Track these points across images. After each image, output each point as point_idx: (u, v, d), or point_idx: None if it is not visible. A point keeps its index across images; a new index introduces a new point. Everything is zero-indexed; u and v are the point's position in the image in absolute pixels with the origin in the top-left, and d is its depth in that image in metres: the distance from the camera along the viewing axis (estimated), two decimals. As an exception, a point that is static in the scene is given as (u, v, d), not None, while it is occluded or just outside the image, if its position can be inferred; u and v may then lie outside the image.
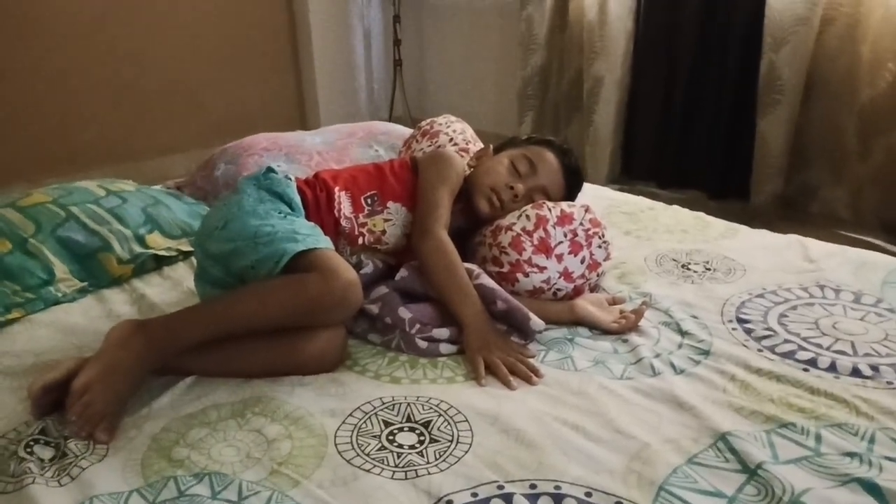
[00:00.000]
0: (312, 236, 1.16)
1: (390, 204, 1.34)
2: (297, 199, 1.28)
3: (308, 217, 1.27)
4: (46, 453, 0.92)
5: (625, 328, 1.21)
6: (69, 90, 3.02)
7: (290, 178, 1.33)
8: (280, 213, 1.21)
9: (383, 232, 1.32)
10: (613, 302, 1.31)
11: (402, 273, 1.27)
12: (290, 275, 1.10)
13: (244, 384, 1.07)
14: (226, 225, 1.19)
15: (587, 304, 1.25)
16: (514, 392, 1.05)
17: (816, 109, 2.51)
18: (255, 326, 1.08)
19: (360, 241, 1.31)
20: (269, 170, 1.34)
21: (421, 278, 1.25)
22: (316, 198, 1.32)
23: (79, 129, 3.07)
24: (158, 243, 1.53)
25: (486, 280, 1.24)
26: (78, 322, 1.30)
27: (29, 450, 0.92)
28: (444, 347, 1.17)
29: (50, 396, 1.00)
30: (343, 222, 1.30)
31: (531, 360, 1.13)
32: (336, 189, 1.33)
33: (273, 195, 1.26)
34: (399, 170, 1.40)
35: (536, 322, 1.18)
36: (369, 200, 1.34)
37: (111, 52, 3.10)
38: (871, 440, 0.93)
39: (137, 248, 1.49)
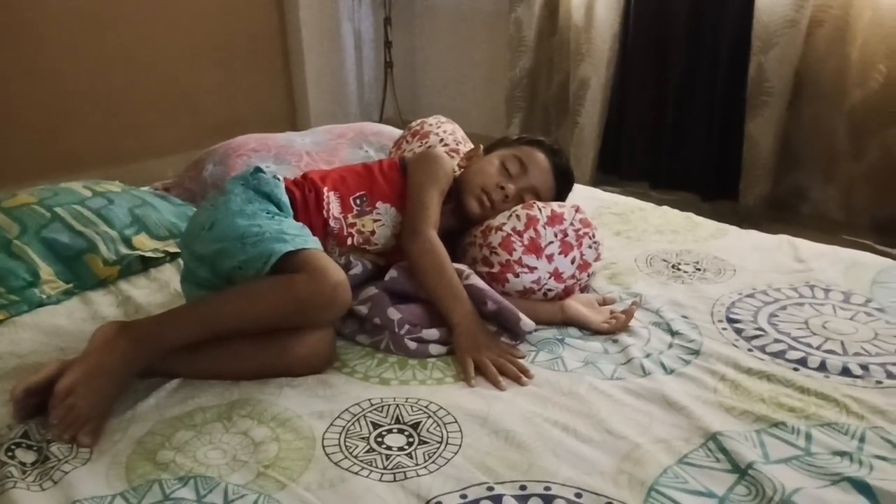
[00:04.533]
0: (301, 237, 1.15)
1: (379, 204, 1.33)
2: (286, 199, 1.27)
3: (296, 217, 1.26)
4: (28, 457, 0.91)
5: (615, 328, 1.21)
6: (60, 93, 2.99)
7: (278, 179, 1.32)
8: (268, 213, 1.20)
9: (372, 232, 1.31)
10: (604, 302, 1.30)
11: (392, 273, 1.26)
12: (279, 275, 1.08)
13: (231, 386, 1.06)
14: (213, 225, 1.18)
15: (577, 305, 1.25)
16: (503, 393, 1.04)
17: (806, 111, 2.52)
18: (243, 327, 1.07)
19: (349, 241, 1.30)
20: (258, 170, 1.33)
21: (410, 279, 1.24)
22: (304, 198, 1.31)
23: (70, 132, 3.05)
24: (145, 244, 1.51)
25: (477, 280, 1.23)
26: (63, 324, 1.28)
27: (10, 454, 0.91)
28: (434, 348, 1.16)
29: (33, 399, 0.98)
30: (332, 223, 1.29)
31: (521, 361, 1.12)
32: (325, 189, 1.32)
33: (261, 195, 1.25)
34: (388, 170, 1.39)
35: (527, 322, 1.17)
36: (358, 201, 1.33)
37: (102, 54, 3.08)
38: (862, 439, 0.92)
39: (124, 250, 1.47)
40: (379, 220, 1.32)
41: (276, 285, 1.08)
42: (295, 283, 1.06)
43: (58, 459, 0.90)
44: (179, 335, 1.04)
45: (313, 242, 1.16)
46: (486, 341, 1.14)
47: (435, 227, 1.27)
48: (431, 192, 1.31)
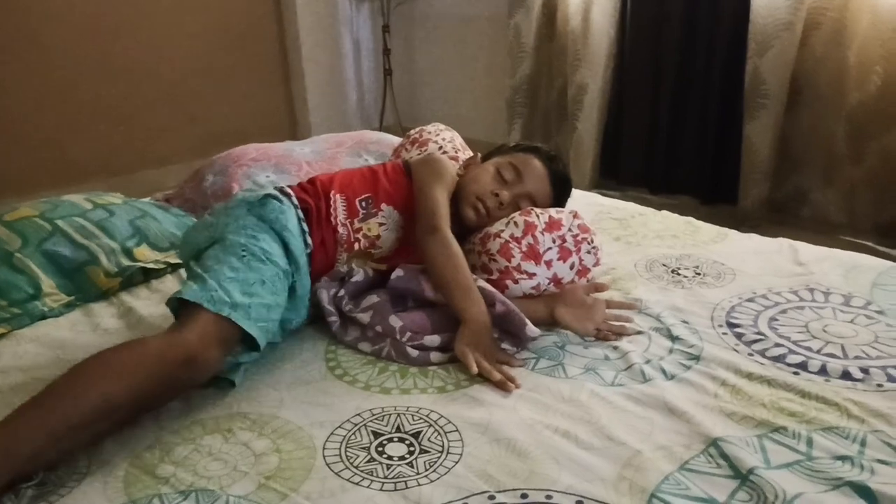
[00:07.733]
0: (230, 303, 1.04)
1: (384, 206, 1.34)
2: (293, 223, 1.24)
3: (311, 230, 1.26)
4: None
5: (603, 338, 1.21)
6: (61, 103, 3.01)
7: (288, 192, 1.30)
8: (245, 252, 1.13)
9: (377, 236, 1.32)
10: (596, 289, 1.28)
11: (398, 272, 1.26)
12: (131, 342, 1.02)
13: (231, 399, 1.06)
14: (213, 244, 1.19)
15: (567, 315, 1.23)
16: (504, 401, 1.04)
17: (804, 114, 2.52)
18: (111, 406, 0.92)
19: (356, 246, 1.31)
20: (266, 196, 1.27)
21: (417, 277, 1.25)
22: (318, 208, 1.30)
23: (71, 142, 3.07)
24: (146, 256, 1.52)
25: (484, 283, 1.23)
26: (65, 336, 1.28)
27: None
28: (435, 356, 1.16)
29: None
30: (339, 229, 1.30)
31: (513, 370, 1.11)
32: (332, 192, 1.33)
33: (265, 223, 1.21)
34: (392, 173, 1.40)
35: (532, 329, 1.17)
36: (364, 203, 1.33)
37: (104, 65, 3.10)
38: (863, 443, 0.92)
39: (125, 261, 1.48)
40: (384, 224, 1.32)
41: (128, 348, 0.99)
42: (147, 341, 0.99)
43: (54, 484, 0.88)
44: (35, 442, 0.87)
45: (241, 312, 1.05)
46: (487, 345, 1.14)
47: (448, 224, 1.27)
48: (440, 190, 1.32)
